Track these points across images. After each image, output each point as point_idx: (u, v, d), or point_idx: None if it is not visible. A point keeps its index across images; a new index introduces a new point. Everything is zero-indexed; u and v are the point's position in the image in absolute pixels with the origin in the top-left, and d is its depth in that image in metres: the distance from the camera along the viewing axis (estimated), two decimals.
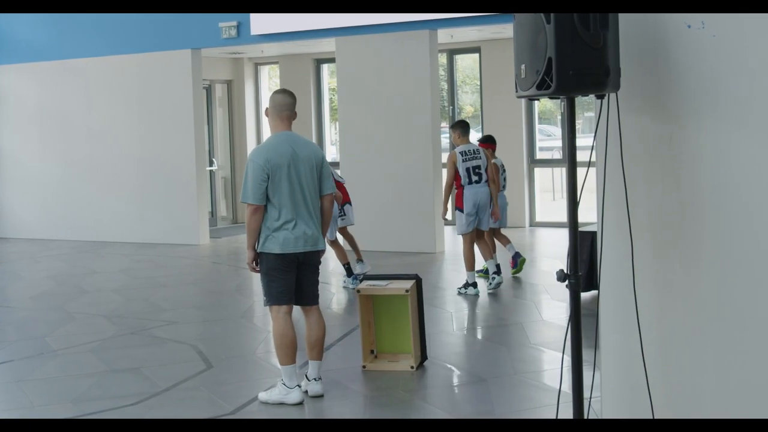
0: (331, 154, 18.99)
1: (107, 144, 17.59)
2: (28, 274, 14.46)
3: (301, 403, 7.24)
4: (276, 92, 7.49)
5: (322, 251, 7.48)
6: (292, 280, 7.33)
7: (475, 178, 11.54)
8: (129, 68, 17.31)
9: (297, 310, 7.51)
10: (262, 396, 7.37)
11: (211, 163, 18.96)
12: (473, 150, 11.70)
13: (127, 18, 17.12)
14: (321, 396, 7.41)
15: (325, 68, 19.20)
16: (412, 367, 8.07)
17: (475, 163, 11.58)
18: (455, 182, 11.64)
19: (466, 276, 11.55)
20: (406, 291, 8.10)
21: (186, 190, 16.79)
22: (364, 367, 8.12)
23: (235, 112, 20.05)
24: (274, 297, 7.33)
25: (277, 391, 7.31)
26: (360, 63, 15.39)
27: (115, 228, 17.54)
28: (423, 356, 8.26)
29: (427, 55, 14.84)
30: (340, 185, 11.92)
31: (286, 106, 7.38)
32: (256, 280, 13.27)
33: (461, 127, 11.89)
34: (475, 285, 11.44)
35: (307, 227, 7.26)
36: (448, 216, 12.15)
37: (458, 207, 11.67)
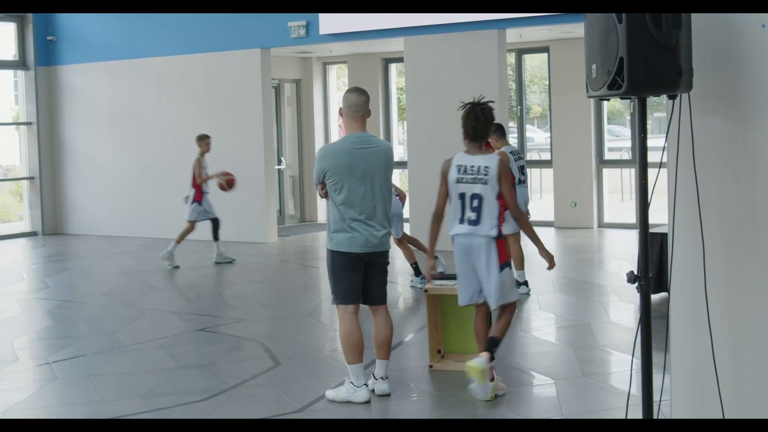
0: (399, 153, 19.01)
1: (177, 142, 17.76)
2: (100, 270, 14.66)
3: (368, 402, 7.26)
4: (349, 91, 7.45)
5: (388, 251, 7.49)
6: (359, 279, 7.35)
7: (522, 177, 11.52)
8: (199, 67, 17.48)
9: (365, 309, 7.53)
10: (330, 394, 7.41)
11: (279, 162, 19.07)
12: (517, 150, 11.79)
13: (197, 18, 17.29)
14: (388, 395, 7.43)
15: (393, 67, 19.22)
16: None
17: (522, 162, 11.65)
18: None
19: (516, 275, 11.48)
20: None
21: (254, 189, 16.91)
22: (431, 366, 8.12)
23: (303, 111, 20.14)
24: (340, 296, 7.36)
25: (345, 390, 7.34)
26: (428, 62, 15.39)
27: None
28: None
29: (495, 54, 14.81)
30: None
31: (360, 105, 7.36)
32: (323, 278, 13.34)
33: (499, 130, 11.79)
34: (526, 284, 11.41)
35: (375, 228, 7.27)
36: None
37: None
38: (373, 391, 7.43)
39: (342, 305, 7.36)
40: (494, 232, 7.22)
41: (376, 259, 7.37)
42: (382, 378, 7.47)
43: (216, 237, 14.77)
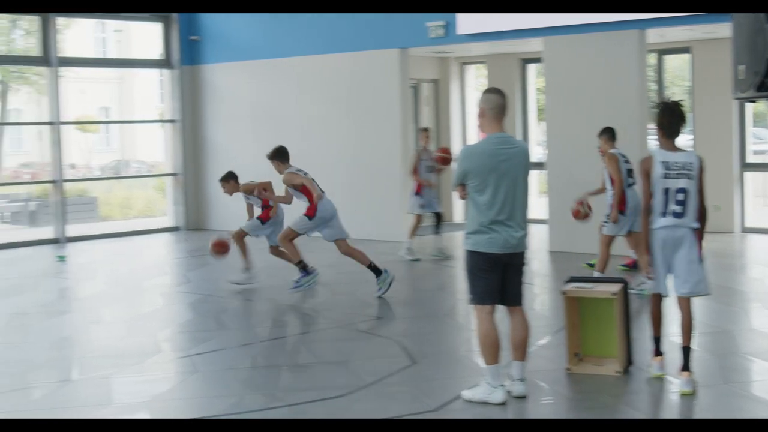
0: (537, 154, 18.89)
1: (317, 141, 17.98)
2: (239, 265, 14.88)
3: (504, 404, 7.25)
4: (491, 92, 7.44)
5: (525, 252, 7.47)
6: (497, 280, 7.35)
7: (631, 180, 11.69)
8: (338, 67, 17.67)
9: (502, 309, 7.52)
10: (466, 394, 7.42)
11: None
12: (624, 154, 11.95)
13: (338, 18, 17.48)
14: (524, 397, 7.41)
15: (532, 68, 19.11)
16: (617, 372, 7.97)
17: (630, 165, 11.73)
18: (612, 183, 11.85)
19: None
20: (613, 294, 8.01)
21: (392, 188, 17.01)
22: (568, 369, 8.07)
23: (441, 110, 20.18)
24: (478, 296, 7.37)
25: (481, 390, 7.34)
26: (568, 63, 15.26)
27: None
28: (629, 361, 8.15)
29: (635, 55, 14.61)
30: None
31: (504, 107, 7.38)
32: (459, 278, 13.36)
33: (609, 132, 12.04)
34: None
35: (515, 229, 7.26)
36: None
37: (620, 210, 11.72)
38: (509, 392, 7.42)
39: (479, 305, 7.37)
40: (696, 225, 7.79)
41: (515, 259, 7.36)
42: (519, 379, 7.45)
43: (437, 231, 15.01)
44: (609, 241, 11.78)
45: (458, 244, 16.55)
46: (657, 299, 7.97)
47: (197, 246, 17.27)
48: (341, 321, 10.45)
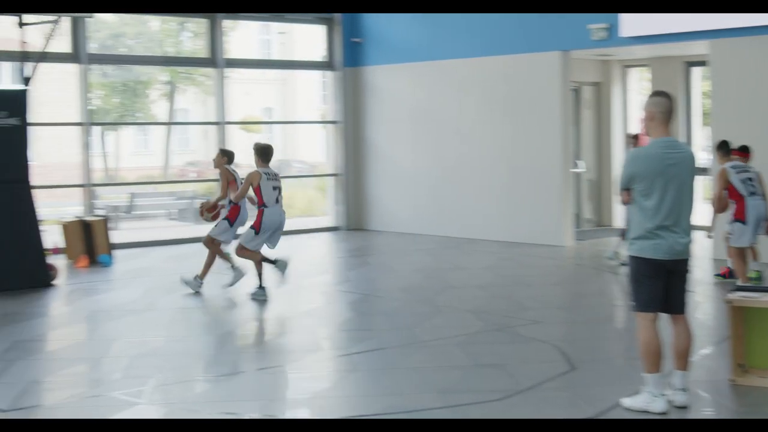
0: (701, 159, 18.51)
1: (476, 143, 18.00)
2: (398, 266, 15.05)
3: (665, 413, 7.13)
4: (660, 95, 7.31)
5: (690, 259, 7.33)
6: (661, 287, 7.23)
7: (752, 188, 11.73)
8: (499, 69, 17.64)
9: (664, 317, 7.41)
10: (626, 402, 7.33)
11: (576, 165, 18.96)
12: (740, 165, 12.02)
13: (497, 20, 17.46)
14: (686, 407, 7.27)
15: (696, 71, 18.72)
16: None
17: (748, 174, 11.83)
18: (732, 195, 11.84)
19: None
20: None
21: (551, 192, 16.90)
22: (732, 380, 7.88)
23: (602, 114, 19.94)
24: (641, 303, 7.27)
25: (642, 399, 7.24)
26: (735, 66, 14.89)
27: (481, 225, 17.92)
28: None
29: None
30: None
31: (671, 111, 7.24)
32: (619, 284, 13.19)
33: (724, 147, 12.24)
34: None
35: (681, 235, 7.14)
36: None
37: (738, 219, 11.80)
38: (671, 402, 7.30)
39: (642, 313, 7.27)
40: None
41: (679, 266, 7.24)
42: (681, 389, 7.32)
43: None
44: (738, 252, 11.82)
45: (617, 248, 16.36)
46: None
47: (357, 246, 17.48)
48: (499, 323, 10.44)
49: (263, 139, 15.39)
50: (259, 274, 12.16)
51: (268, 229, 12.12)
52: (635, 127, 19.88)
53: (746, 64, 14.78)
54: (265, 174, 12.10)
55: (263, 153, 12.28)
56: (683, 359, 7.32)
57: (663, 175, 7.10)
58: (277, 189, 12.17)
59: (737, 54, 14.86)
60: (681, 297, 7.35)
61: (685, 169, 7.16)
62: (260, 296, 12.06)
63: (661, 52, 17.96)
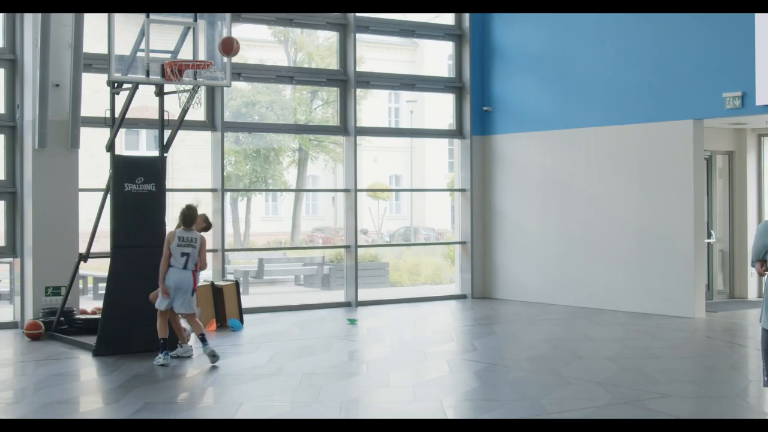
0: None
1: (606, 212, 17.83)
2: (525, 336, 14.91)
3: None
4: None
5: None
6: None
7: None
8: (630, 138, 17.49)
9: None
10: None
11: (709, 236, 18.62)
12: None
13: (629, 89, 17.35)
14: None
15: None
16: None
17: None
18: None
19: None
20: None
21: (682, 262, 16.60)
22: None
23: (735, 183, 19.58)
24: None
25: None
26: None
27: (610, 295, 17.68)
28: None
29: None
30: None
31: None
32: (752, 357, 12.85)
33: None
34: None
35: None
36: None
37: None
38: None
39: None
40: None
41: None
42: None
43: None
44: None
45: (752, 321, 15.95)
46: None
47: (483, 314, 17.40)
48: (628, 396, 10.23)
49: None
50: (201, 337, 12.51)
51: (170, 287, 12.46)
52: None
53: None
54: (179, 238, 12.53)
55: (182, 217, 12.66)
56: None
57: None
58: (186, 256, 12.51)
59: None
60: None
61: None
62: (187, 352, 12.82)
63: None
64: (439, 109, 24.45)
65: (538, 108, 19.08)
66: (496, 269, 19.83)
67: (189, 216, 12.68)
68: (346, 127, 18.90)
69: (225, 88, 17.27)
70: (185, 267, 12.52)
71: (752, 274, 19.28)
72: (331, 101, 21.69)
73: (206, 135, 17.93)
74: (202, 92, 13.88)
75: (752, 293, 19.21)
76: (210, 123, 17.46)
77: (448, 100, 20.50)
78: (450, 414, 9.80)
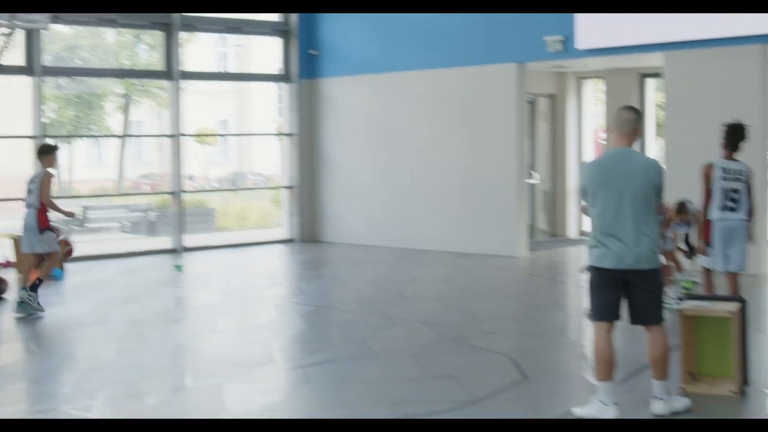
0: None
1: (432, 154, 18.01)
2: (352, 278, 15.01)
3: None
4: (620, 109, 7.48)
5: (654, 270, 7.28)
6: (613, 297, 7.25)
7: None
8: (454, 81, 17.66)
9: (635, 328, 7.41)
10: (577, 411, 7.32)
11: (531, 176, 19.02)
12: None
13: (453, 32, 17.49)
14: (661, 415, 7.22)
15: (651, 83, 18.85)
16: (732, 392, 7.78)
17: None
18: None
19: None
20: (731, 313, 7.83)
21: (506, 203, 16.93)
22: (683, 389, 7.90)
23: (557, 126, 20.03)
24: (595, 312, 7.31)
25: (593, 408, 7.23)
26: (689, 78, 15.01)
27: (435, 237, 17.92)
28: (745, 381, 7.95)
29: (757, 70, 14.31)
30: None
31: (626, 122, 7.33)
32: (572, 294, 13.25)
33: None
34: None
35: (627, 245, 7.14)
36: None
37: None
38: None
39: (596, 321, 7.30)
40: (747, 217, 10.12)
41: (636, 278, 7.21)
42: (655, 397, 7.31)
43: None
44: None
45: (573, 259, 16.41)
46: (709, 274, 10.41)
47: (311, 258, 17.43)
48: (452, 335, 10.41)
49: (216, 151, 15.33)
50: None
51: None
52: (589, 138, 20.02)
53: (699, 75, 14.89)
54: (31, 176, 12.27)
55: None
56: (655, 368, 7.32)
57: (606, 184, 7.19)
58: (30, 193, 12.11)
59: (691, 66, 14.97)
60: (645, 309, 7.30)
61: (634, 178, 7.16)
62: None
63: (616, 64, 18.08)
64: (266, 54, 24.20)
65: (365, 51, 19.06)
66: (324, 213, 19.85)
67: (38, 153, 12.32)
68: (170, 71, 18.53)
69: (43, 32, 16.67)
70: (29, 205, 12.06)
71: (573, 213, 19.82)
72: (157, 45, 21.23)
73: (25, 80, 17.30)
74: (19, 35, 13.38)
75: (572, 232, 19.75)
76: (28, 68, 16.85)
77: (275, 44, 20.30)
78: (277, 357, 9.80)
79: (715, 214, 10.18)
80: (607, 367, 7.21)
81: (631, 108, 7.44)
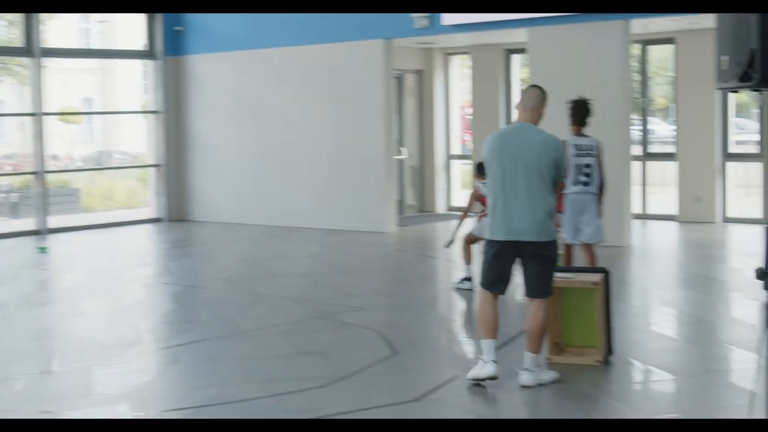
0: None
1: (300, 131, 17.95)
2: (220, 256, 14.91)
3: (494, 378, 7.30)
4: (528, 86, 7.91)
5: (546, 243, 7.38)
6: (502, 269, 7.42)
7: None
8: (322, 57, 17.61)
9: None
10: (468, 374, 7.49)
11: (399, 152, 19.12)
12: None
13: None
14: (525, 387, 7.36)
15: (516, 59, 19.10)
16: (598, 362, 7.97)
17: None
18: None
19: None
20: (594, 284, 8.01)
21: (374, 179, 16.98)
22: (549, 359, 8.05)
23: (425, 101, 20.15)
24: (483, 281, 7.54)
25: (476, 367, 7.43)
26: (552, 53, 15.24)
27: (304, 214, 17.89)
28: (609, 350, 8.15)
29: (619, 45, 14.61)
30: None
31: (530, 97, 7.61)
32: (441, 268, 13.38)
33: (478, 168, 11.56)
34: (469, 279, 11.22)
35: (516, 216, 7.28)
36: None
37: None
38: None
39: (482, 288, 7.52)
40: (597, 191, 10.56)
41: (526, 249, 7.36)
42: (524, 369, 7.44)
43: None
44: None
45: (441, 234, 16.55)
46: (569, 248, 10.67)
47: (179, 237, 17.25)
48: (322, 311, 10.42)
49: (80, 130, 15.02)
50: None
51: None
52: (456, 114, 20.19)
53: (561, 51, 15.14)
54: None
55: None
56: (530, 341, 7.45)
57: (501, 155, 7.36)
58: None
59: (553, 41, 15.21)
60: (531, 281, 7.44)
61: (530, 151, 7.31)
62: None
63: (482, 40, 18.26)
64: (131, 30, 23.76)
65: (231, 28, 18.85)
66: (191, 191, 19.63)
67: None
68: (31, 48, 18.06)
69: None
70: None
71: (441, 188, 19.99)
72: (16, 21, 20.68)
73: None
74: None
75: (441, 207, 19.93)
76: None
77: (140, 20, 19.94)
78: (146, 338, 9.69)
79: (569, 188, 10.52)
80: (486, 325, 7.41)
81: (537, 87, 7.72)
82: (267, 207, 18.43)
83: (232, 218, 18.80)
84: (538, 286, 7.44)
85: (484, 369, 7.33)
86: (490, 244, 7.42)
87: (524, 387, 7.37)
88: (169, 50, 19.57)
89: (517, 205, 7.28)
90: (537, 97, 7.56)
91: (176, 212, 19.69)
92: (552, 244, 7.46)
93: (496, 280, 7.43)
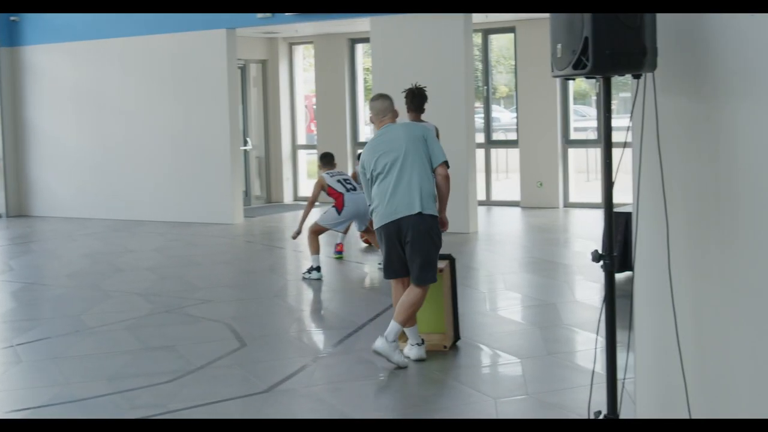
0: (365, 134, 18.98)
1: (142, 123, 17.67)
2: (64, 252, 14.58)
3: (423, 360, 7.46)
4: (373, 99, 8.08)
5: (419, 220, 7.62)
6: (394, 256, 7.71)
7: (349, 186, 11.98)
8: (164, 48, 17.37)
9: None
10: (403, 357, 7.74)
11: (245, 143, 19.01)
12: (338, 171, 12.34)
13: None
14: (377, 353, 7.59)
15: (360, 48, 19.17)
16: (445, 347, 8.07)
17: (346, 176, 12.25)
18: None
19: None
20: (440, 270, 8.09)
21: (220, 170, 16.84)
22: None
23: (269, 91, 20.07)
24: (384, 271, 7.95)
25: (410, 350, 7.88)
26: (395, 43, 15.36)
27: (149, 207, 17.63)
28: (456, 336, 8.25)
29: (461, 35, 14.80)
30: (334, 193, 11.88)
31: (384, 110, 7.99)
32: (289, 259, 13.36)
33: (324, 158, 12.45)
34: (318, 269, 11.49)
35: (398, 198, 7.63)
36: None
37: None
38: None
39: (386, 279, 8.03)
40: None
41: (406, 227, 7.62)
42: (381, 335, 7.68)
43: None
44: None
45: (289, 225, 16.51)
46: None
47: (19, 233, 16.80)
48: (169, 305, 10.30)
49: None
50: None
51: None
52: (300, 103, 20.16)
53: (404, 40, 15.26)
54: None
55: None
56: (397, 311, 7.69)
57: (376, 152, 7.76)
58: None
59: (395, 31, 15.32)
60: (412, 266, 7.67)
61: (400, 140, 7.73)
62: None
63: (326, 30, 18.28)
64: None
65: (69, 18, 18.40)
66: (32, 186, 19.14)
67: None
68: None
69: None
70: None
71: (287, 178, 19.95)
72: None
73: None
74: None
75: (287, 197, 19.89)
76: None
77: None
78: None
79: None
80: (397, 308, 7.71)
81: (382, 96, 8.03)
82: (111, 201, 18.09)
83: (76, 213, 18.40)
84: (417, 271, 7.65)
85: (412, 351, 7.76)
86: (379, 232, 7.74)
87: (375, 351, 7.58)
88: (5, 41, 19.02)
89: (398, 190, 7.62)
90: (389, 106, 7.99)
91: (16, 207, 19.17)
92: (434, 219, 7.70)
93: (390, 268, 7.80)
